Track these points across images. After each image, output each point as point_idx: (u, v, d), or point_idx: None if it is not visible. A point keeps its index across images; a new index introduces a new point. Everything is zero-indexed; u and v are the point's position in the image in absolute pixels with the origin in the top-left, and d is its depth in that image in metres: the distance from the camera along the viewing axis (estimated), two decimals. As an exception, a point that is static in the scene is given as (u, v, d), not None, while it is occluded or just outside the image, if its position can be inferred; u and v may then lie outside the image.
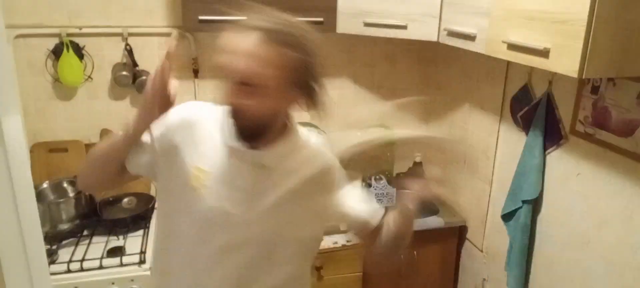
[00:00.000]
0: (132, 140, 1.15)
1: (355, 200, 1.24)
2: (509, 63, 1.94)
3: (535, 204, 1.82)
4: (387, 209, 1.26)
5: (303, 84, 1.00)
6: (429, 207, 2.42)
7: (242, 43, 0.96)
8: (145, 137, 1.16)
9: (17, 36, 2.02)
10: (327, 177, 1.18)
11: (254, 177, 1.10)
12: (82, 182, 1.33)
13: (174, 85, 1.11)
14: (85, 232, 1.98)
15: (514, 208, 1.85)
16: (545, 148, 1.76)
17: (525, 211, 1.81)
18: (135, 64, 2.16)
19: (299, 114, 1.11)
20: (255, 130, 1.05)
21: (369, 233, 1.25)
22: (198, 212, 1.10)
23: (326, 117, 1.09)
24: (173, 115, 1.14)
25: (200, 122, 1.14)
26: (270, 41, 0.96)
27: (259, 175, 1.10)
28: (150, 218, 2.06)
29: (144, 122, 1.12)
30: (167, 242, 1.19)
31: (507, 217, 1.90)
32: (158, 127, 1.14)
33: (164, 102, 1.10)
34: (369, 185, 2.43)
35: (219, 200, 1.09)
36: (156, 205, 1.25)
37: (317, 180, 1.16)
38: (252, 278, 1.15)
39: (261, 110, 1.01)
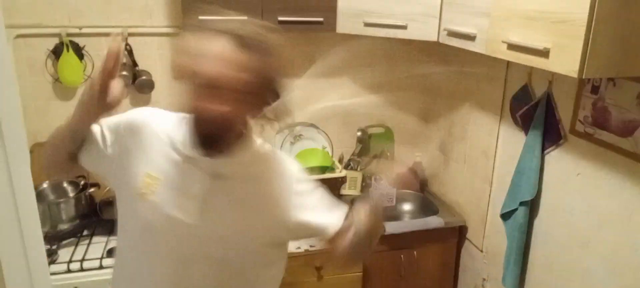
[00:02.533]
0: (73, 131, 1.12)
1: (316, 209, 1.18)
2: (509, 63, 1.93)
3: (532, 204, 1.82)
4: (352, 209, 1.20)
5: (270, 90, 1.01)
6: (429, 207, 2.42)
7: (212, 46, 0.95)
8: (96, 136, 1.14)
9: (17, 36, 2.01)
10: (284, 187, 1.14)
11: (208, 186, 1.07)
12: (42, 164, 1.24)
13: (116, 86, 1.03)
14: (85, 232, 1.98)
15: (512, 208, 1.85)
16: (544, 149, 1.76)
17: (522, 211, 1.81)
18: (135, 64, 2.16)
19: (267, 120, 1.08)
20: (215, 136, 1.03)
21: (330, 238, 1.19)
22: (147, 220, 1.07)
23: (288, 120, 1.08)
24: (125, 120, 1.14)
25: (152, 128, 1.11)
26: (241, 45, 0.95)
27: (214, 184, 1.07)
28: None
29: (83, 117, 1.09)
30: (123, 252, 1.17)
31: (505, 216, 1.90)
32: (110, 130, 1.13)
33: (105, 103, 1.03)
34: (369, 185, 2.43)
35: (171, 209, 1.06)
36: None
37: (273, 190, 1.13)
38: None
39: (227, 116, 0.98)
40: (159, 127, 1.12)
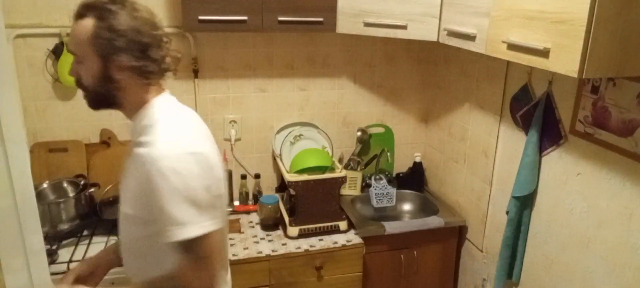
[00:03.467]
0: None
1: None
2: (509, 63, 1.94)
3: (531, 203, 1.83)
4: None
5: (108, 49, 1.08)
6: (429, 207, 2.42)
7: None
8: None
9: (17, 36, 2.02)
10: (140, 167, 1.08)
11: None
12: None
13: None
14: (85, 232, 1.98)
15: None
16: (541, 148, 1.76)
17: (514, 206, 1.82)
18: (135, 64, 2.16)
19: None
20: (99, 101, 1.17)
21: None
22: None
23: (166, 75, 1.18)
24: None
25: None
26: (76, 16, 1.10)
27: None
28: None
29: None
30: None
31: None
32: None
33: None
34: (369, 185, 2.43)
35: None
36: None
37: (134, 165, 1.11)
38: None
39: (85, 78, 1.13)
40: None
